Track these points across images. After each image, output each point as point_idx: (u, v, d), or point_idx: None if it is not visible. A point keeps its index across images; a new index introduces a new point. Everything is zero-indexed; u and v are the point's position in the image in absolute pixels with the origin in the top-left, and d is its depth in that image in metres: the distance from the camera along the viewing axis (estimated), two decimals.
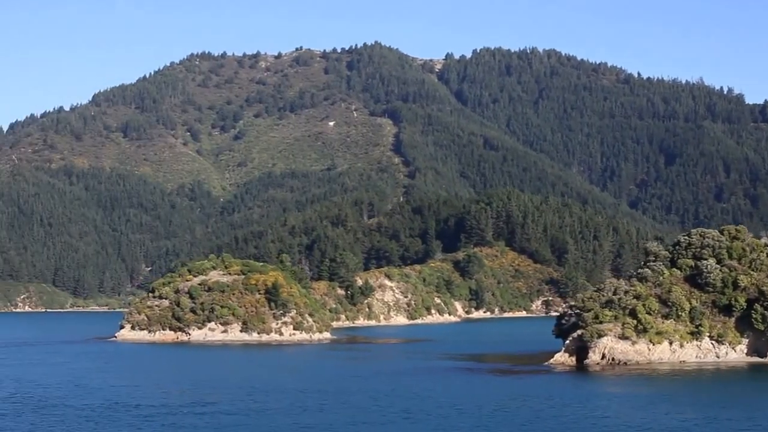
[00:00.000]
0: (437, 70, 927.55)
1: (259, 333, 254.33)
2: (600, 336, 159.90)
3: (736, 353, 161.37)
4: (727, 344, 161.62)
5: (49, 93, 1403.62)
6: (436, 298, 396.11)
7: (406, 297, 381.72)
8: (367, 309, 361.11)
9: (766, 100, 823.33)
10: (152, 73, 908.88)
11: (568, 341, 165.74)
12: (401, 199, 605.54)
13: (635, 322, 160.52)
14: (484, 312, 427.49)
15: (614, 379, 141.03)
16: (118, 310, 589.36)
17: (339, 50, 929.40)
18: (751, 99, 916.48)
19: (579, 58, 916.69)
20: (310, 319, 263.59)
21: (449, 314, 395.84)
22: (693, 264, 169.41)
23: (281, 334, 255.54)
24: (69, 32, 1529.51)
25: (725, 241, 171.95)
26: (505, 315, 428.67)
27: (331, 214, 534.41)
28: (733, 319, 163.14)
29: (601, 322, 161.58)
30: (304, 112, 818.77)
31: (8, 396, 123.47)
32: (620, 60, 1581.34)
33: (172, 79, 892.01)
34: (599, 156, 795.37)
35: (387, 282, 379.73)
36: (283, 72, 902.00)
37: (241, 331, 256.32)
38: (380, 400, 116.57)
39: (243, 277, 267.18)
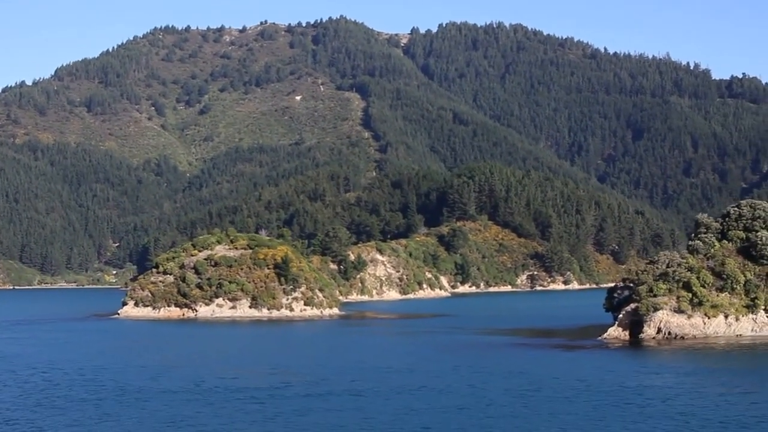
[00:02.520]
0: (403, 45, 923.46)
1: (269, 309, 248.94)
2: (655, 309, 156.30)
3: None
4: None
5: (10, 67, 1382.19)
6: (426, 273, 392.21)
7: (397, 272, 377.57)
8: (360, 284, 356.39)
9: (732, 75, 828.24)
10: (115, 47, 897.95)
11: (621, 315, 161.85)
12: (374, 174, 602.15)
13: (690, 295, 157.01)
14: (470, 286, 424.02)
15: (689, 353, 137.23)
16: (87, 286, 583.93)
17: (304, 24, 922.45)
18: (717, 74, 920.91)
19: (545, 33, 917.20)
20: (320, 295, 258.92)
21: (439, 289, 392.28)
22: (744, 236, 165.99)
23: (292, 309, 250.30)
24: (30, 6, 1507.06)
25: None
26: (491, 289, 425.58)
27: (307, 188, 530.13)
28: None
29: (655, 296, 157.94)
30: (270, 87, 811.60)
31: (85, 380, 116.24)
32: (586, 35, 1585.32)
33: (135, 53, 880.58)
34: (567, 131, 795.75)
35: (378, 256, 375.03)
36: (248, 46, 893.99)
37: (250, 307, 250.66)
38: (484, 378, 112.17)
39: (250, 251, 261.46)
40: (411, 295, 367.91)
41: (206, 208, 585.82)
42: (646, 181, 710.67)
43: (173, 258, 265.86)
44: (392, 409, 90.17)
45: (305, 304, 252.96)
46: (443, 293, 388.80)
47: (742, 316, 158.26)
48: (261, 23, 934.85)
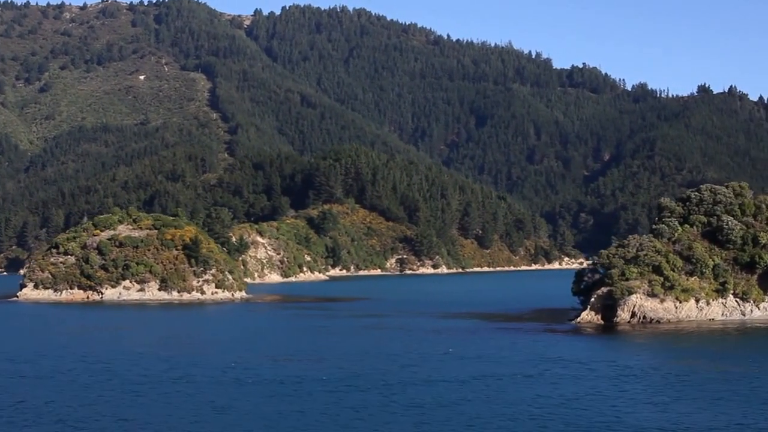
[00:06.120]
0: (246, 26, 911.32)
1: (179, 291, 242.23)
2: (629, 293, 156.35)
3: (760, 311, 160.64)
4: (752, 302, 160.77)
5: None
6: (306, 256, 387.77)
7: (278, 254, 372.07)
8: (242, 266, 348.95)
9: (572, 65, 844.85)
10: None
11: (593, 299, 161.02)
12: (226, 155, 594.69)
13: (661, 279, 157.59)
14: (340, 270, 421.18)
15: (689, 335, 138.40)
16: None
17: (146, 3, 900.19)
18: (558, 64, 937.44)
19: (389, 18, 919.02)
20: (230, 277, 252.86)
21: (318, 272, 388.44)
22: (706, 220, 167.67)
23: (203, 292, 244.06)
24: None
25: (734, 198, 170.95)
26: (361, 273, 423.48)
27: (165, 168, 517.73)
28: (755, 277, 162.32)
29: (627, 279, 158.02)
30: (112, 65, 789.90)
31: (102, 369, 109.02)
32: (429, 21, 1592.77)
33: None
34: (410, 116, 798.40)
35: (259, 239, 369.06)
36: (89, 23, 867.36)
37: (159, 289, 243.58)
38: (522, 362, 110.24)
39: (156, 231, 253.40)
40: (292, 278, 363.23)
41: (52, 187, 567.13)
42: (490, 167, 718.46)
43: (74, 238, 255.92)
44: (528, 397, 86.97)
45: (216, 287, 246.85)
46: (322, 276, 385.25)
47: (713, 300, 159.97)
48: (102, 1, 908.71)
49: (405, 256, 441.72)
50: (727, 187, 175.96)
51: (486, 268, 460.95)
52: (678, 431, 72.62)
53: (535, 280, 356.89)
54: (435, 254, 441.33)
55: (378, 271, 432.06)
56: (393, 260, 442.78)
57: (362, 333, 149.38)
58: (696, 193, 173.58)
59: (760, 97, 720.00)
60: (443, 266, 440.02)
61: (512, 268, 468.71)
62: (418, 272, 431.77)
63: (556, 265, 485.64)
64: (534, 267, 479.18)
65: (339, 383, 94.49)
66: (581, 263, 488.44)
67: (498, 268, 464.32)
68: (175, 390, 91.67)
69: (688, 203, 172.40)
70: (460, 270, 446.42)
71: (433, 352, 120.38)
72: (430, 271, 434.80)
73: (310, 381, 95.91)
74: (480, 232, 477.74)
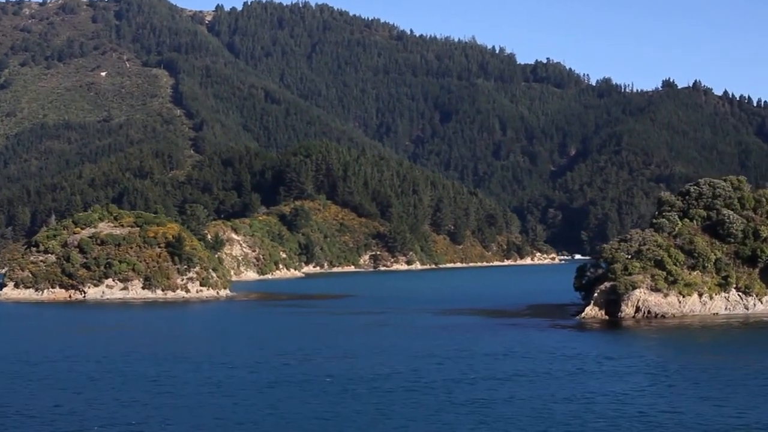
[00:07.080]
0: (207, 22, 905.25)
1: (163, 290, 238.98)
2: (633, 288, 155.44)
3: (763, 304, 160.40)
4: (755, 295, 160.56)
5: None
6: (281, 253, 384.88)
7: (254, 251, 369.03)
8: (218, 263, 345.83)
9: (536, 60, 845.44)
10: None
11: (596, 294, 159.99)
12: (192, 152, 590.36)
13: (664, 273, 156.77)
14: (314, 267, 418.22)
15: (701, 330, 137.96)
16: None
17: None
18: (522, 59, 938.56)
19: (351, 14, 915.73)
20: (214, 275, 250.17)
21: (294, 269, 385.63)
22: (705, 214, 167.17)
23: (187, 290, 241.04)
24: None
25: (733, 192, 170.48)
26: (335, 270, 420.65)
27: (132, 165, 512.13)
28: (757, 270, 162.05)
29: (630, 274, 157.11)
30: (73, 62, 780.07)
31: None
32: (392, 16, 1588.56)
33: None
34: (374, 111, 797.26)
35: (234, 236, 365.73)
36: (48, 20, 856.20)
37: (143, 288, 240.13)
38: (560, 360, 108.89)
39: (138, 229, 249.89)
40: (269, 276, 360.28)
41: (16, 185, 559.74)
42: (456, 162, 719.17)
43: (54, 236, 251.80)
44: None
45: (201, 285, 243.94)
46: (298, 273, 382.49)
47: (715, 294, 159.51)
48: None
49: (378, 253, 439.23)
50: (725, 180, 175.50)
51: (459, 264, 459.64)
52: (752, 427, 71.60)
53: (512, 275, 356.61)
54: (408, 250, 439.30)
55: (352, 268, 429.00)
56: (366, 257, 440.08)
57: (368, 330, 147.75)
58: (695, 187, 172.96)
59: (725, 92, 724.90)
60: (417, 262, 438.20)
61: (485, 263, 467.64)
62: (392, 268, 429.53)
63: (528, 261, 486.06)
64: (507, 263, 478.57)
65: (374, 382, 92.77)
66: (553, 258, 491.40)
67: (471, 264, 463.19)
68: (208, 391, 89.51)
69: (687, 197, 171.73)
70: (434, 266, 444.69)
71: (452, 348, 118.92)
72: (404, 267, 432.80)
73: (343, 380, 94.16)
74: (452, 227, 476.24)
